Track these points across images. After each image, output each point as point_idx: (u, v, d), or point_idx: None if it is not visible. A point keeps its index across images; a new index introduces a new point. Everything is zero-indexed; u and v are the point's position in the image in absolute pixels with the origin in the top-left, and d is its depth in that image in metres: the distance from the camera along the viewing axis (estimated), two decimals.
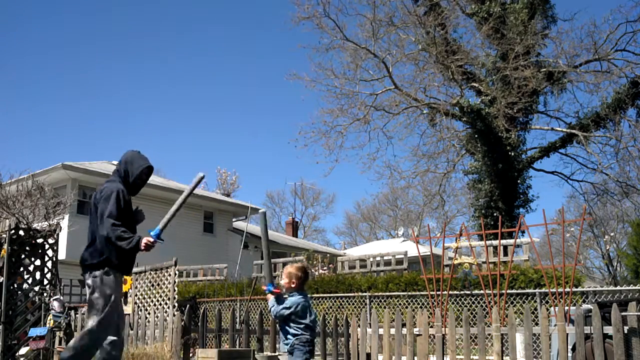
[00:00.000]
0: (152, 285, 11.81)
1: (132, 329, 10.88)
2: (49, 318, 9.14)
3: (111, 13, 71.17)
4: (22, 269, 9.56)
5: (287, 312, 5.00)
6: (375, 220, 53.19)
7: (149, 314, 10.73)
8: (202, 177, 5.25)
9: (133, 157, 5.37)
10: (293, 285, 5.08)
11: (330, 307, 12.82)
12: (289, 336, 5.05)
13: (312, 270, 15.17)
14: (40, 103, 73.00)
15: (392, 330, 7.77)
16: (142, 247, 4.92)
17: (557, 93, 22.41)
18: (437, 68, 20.22)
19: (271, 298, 5.12)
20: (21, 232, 9.54)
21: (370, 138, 21.69)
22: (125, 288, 11.79)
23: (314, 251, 19.65)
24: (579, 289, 10.83)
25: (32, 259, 9.70)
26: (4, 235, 9.36)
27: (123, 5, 72.34)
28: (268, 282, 5.14)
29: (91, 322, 4.97)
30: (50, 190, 11.73)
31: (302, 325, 5.02)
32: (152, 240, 4.96)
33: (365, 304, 12.32)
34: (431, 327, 7.59)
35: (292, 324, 5.05)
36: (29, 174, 12.39)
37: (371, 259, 14.84)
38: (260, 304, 13.74)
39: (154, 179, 25.03)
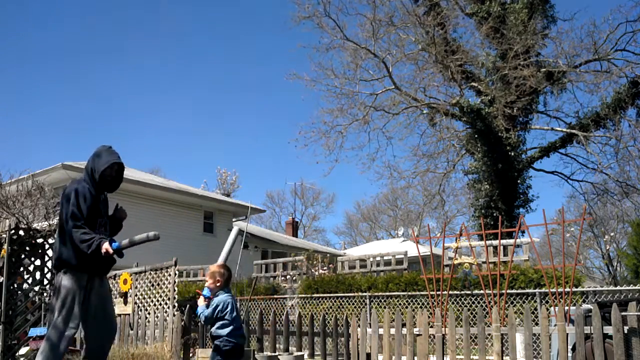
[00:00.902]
0: (152, 285, 11.81)
1: (132, 329, 10.89)
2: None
3: (111, 14, 71.25)
4: (22, 269, 9.55)
5: (212, 311, 5.06)
6: (375, 220, 53.23)
7: (149, 314, 10.74)
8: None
9: (100, 153, 5.09)
10: (218, 284, 5.13)
11: (330, 307, 12.82)
12: (215, 339, 5.10)
13: (312, 270, 15.17)
14: (40, 103, 73.08)
15: (392, 330, 7.77)
16: (103, 252, 4.67)
17: (557, 93, 22.39)
18: (437, 68, 20.21)
19: (201, 304, 5.14)
20: (21, 232, 9.54)
21: (370, 138, 21.71)
22: (125, 288, 11.79)
23: (314, 251, 19.64)
24: (579, 289, 10.82)
25: (32, 259, 9.69)
26: (4, 235, 9.36)
27: (123, 7, 72.42)
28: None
29: (49, 329, 4.78)
30: (50, 190, 11.72)
31: (227, 323, 5.06)
32: (111, 251, 4.69)
33: (365, 304, 12.32)
34: (431, 327, 7.59)
35: (217, 323, 5.08)
36: (29, 174, 12.38)
37: (371, 259, 14.84)
38: (261, 303, 13.75)
39: (153, 179, 25.04)
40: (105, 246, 4.66)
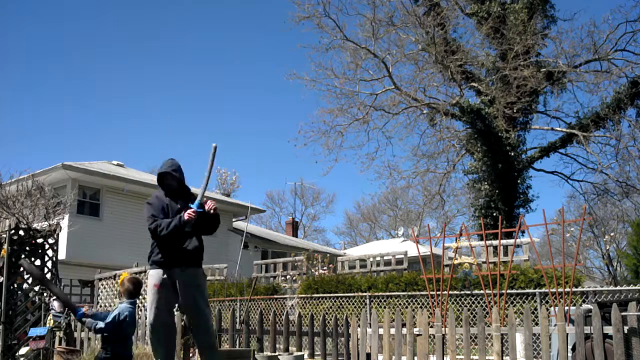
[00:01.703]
0: None
1: None
2: (49, 318, 9.14)
3: (112, 15, 71.25)
4: (22, 269, 9.55)
5: (112, 321, 5.08)
6: (375, 220, 53.22)
7: None
8: (215, 147, 5.63)
9: (160, 166, 5.74)
10: (121, 294, 5.35)
11: (330, 307, 12.81)
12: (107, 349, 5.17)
13: (312, 270, 15.16)
14: (40, 103, 73.07)
15: (392, 330, 7.77)
16: (186, 219, 5.28)
17: (557, 93, 22.41)
18: (437, 68, 20.21)
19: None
20: (21, 232, 9.53)
21: (370, 138, 21.73)
22: None
23: (314, 251, 19.64)
24: (579, 289, 10.81)
25: (32, 259, 9.69)
26: (4, 235, 9.36)
27: (123, 7, 72.42)
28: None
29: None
30: (50, 190, 11.70)
31: (124, 334, 5.17)
32: (193, 211, 5.30)
33: (365, 304, 12.31)
34: (431, 327, 7.58)
35: (114, 333, 5.13)
36: (29, 174, 12.35)
37: (371, 259, 14.83)
38: (261, 303, 13.74)
39: (153, 179, 25.03)
40: (187, 213, 5.27)
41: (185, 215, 5.27)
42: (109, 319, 5.06)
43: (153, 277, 5.44)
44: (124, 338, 5.18)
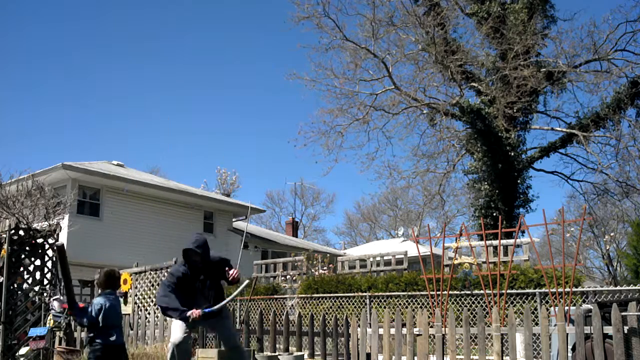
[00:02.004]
0: (152, 285, 11.81)
1: (132, 329, 10.88)
2: (49, 318, 9.14)
3: (112, 15, 71.27)
4: (22, 269, 9.56)
5: (97, 313, 5.36)
6: (375, 220, 53.20)
7: (149, 314, 10.74)
8: (255, 279, 6.01)
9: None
10: (101, 288, 5.57)
11: (330, 307, 12.81)
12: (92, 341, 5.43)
13: (312, 270, 15.16)
14: (40, 103, 73.08)
15: (392, 330, 7.77)
16: (188, 316, 5.52)
17: (557, 93, 22.39)
18: (437, 68, 20.20)
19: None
20: (21, 232, 9.54)
21: (370, 138, 21.69)
22: (125, 288, 11.79)
23: (314, 251, 19.63)
24: (579, 289, 10.81)
25: (32, 259, 9.70)
26: (4, 235, 9.37)
27: (123, 7, 72.44)
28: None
29: None
30: (50, 190, 11.70)
31: (102, 326, 5.36)
32: (200, 312, 5.56)
33: (365, 304, 12.31)
34: (431, 327, 7.59)
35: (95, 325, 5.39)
36: (29, 174, 12.36)
37: (371, 259, 14.83)
38: (261, 303, 13.74)
39: (153, 179, 25.05)
40: (195, 313, 5.52)
41: (189, 313, 5.52)
42: (90, 314, 5.37)
43: None
44: (106, 327, 5.37)
